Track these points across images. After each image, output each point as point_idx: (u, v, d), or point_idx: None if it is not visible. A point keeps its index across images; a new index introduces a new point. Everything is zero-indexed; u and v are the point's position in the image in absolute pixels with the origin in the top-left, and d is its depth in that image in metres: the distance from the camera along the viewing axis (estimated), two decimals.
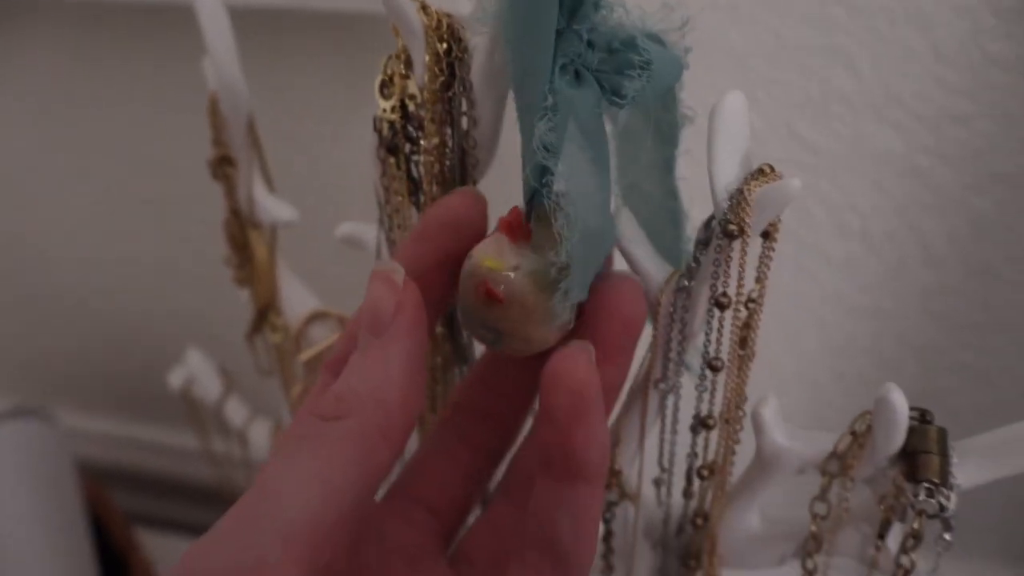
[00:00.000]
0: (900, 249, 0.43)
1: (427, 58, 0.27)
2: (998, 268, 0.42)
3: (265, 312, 0.36)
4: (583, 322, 0.22)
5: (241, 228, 0.35)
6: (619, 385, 0.23)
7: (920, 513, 0.23)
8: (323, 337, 0.35)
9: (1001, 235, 0.41)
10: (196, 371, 0.42)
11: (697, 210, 0.28)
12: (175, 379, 0.43)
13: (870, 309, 0.45)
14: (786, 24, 0.39)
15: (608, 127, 0.23)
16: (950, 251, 0.42)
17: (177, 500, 0.61)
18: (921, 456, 0.22)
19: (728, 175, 0.22)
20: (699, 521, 0.28)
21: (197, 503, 0.60)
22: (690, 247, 0.25)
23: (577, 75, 0.23)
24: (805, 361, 0.47)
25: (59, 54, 0.49)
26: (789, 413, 0.28)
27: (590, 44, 0.22)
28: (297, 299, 0.36)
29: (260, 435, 0.42)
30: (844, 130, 0.41)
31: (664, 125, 0.26)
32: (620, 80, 0.22)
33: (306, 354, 0.35)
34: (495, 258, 0.20)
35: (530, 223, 0.21)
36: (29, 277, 0.60)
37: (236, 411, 0.42)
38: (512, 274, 0.20)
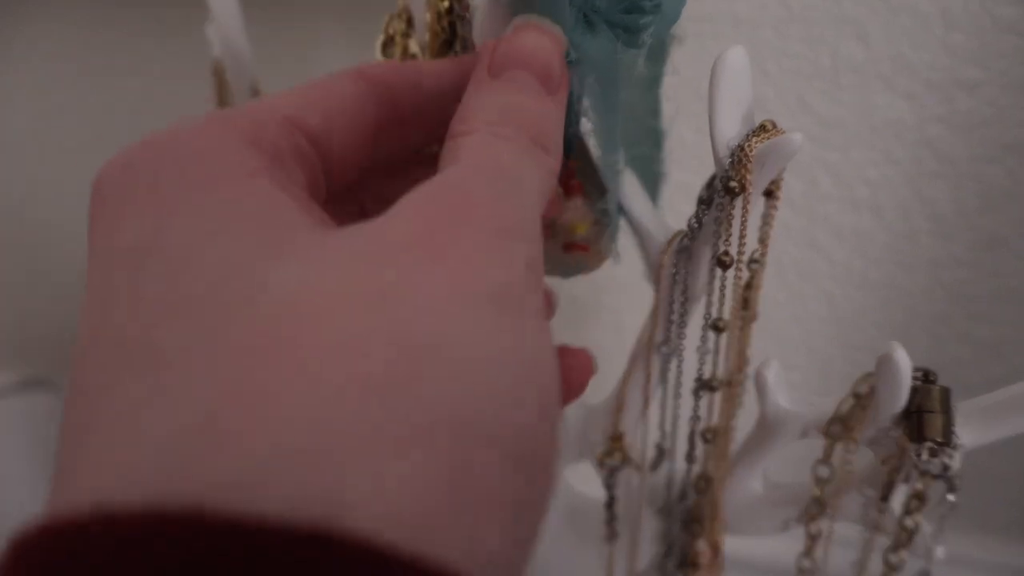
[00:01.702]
0: (910, 221, 0.43)
1: (428, 17, 0.26)
2: (1008, 239, 0.41)
3: None
4: None
5: None
6: None
7: (924, 474, 0.22)
8: None
9: (1011, 205, 0.40)
10: None
11: (697, 175, 0.28)
12: None
13: (880, 281, 0.44)
14: None
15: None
16: (960, 222, 0.42)
17: None
18: (924, 416, 0.22)
19: (729, 131, 0.22)
20: (702, 486, 0.27)
21: None
22: (667, 169, 0.26)
23: (588, 22, 0.22)
24: (814, 333, 0.47)
25: (65, 28, 0.49)
26: (796, 384, 0.28)
27: None
28: None
29: None
30: (854, 100, 0.41)
31: (655, 44, 0.26)
32: (634, 22, 0.22)
33: None
34: (579, 222, 0.24)
35: (579, 179, 0.24)
36: (35, 251, 0.61)
37: None
38: (589, 228, 0.24)
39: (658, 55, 0.26)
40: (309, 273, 0.13)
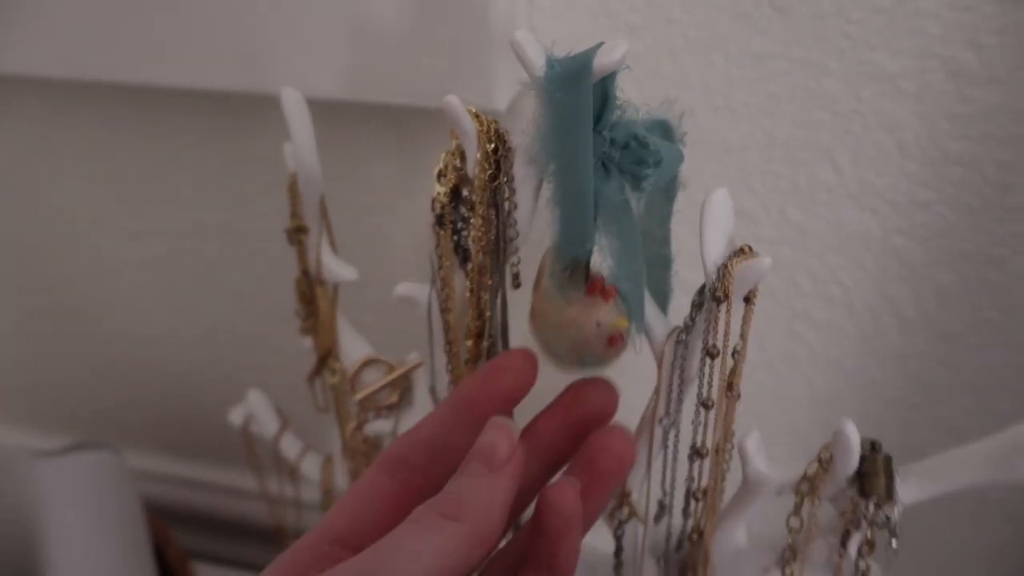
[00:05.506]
0: (878, 317, 0.49)
1: (478, 155, 0.33)
2: (962, 334, 0.48)
3: (325, 358, 0.42)
4: (581, 458, 0.27)
5: (309, 285, 0.42)
6: (600, 510, 0.29)
7: (871, 524, 0.28)
8: (374, 380, 0.41)
9: (963, 305, 0.47)
10: (255, 409, 0.48)
11: (691, 274, 0.34)
12: (236, 416, 0.49)
13: (854, 370, 0.51)
14: (777, 125, 0.46)
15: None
16: (921, 319, 0.48)
17: (231, 537, 0.66)
18: (871, 477, 0.28)
19: (716, 253, 0.29)
20: (695, 537, 0.33)
21: (249, 540, 0.65)
22: (673, 287, 0.32)
23: (605, 169, 0.29)
24: (795, 416, 0.52)
25: (138, 130, 0.57)
26: (778, 459, 0.33)
27: (612, 142, 0.29)
28: (353, 347, 0.42)
29: (311, 467, 0.47)
30: (828, 214, 0.47)
31: (667, 189, 0.33)
32: (639, 171, 0.29)
33: (359, 395, 0.41)
34: (618, 319, 0.30)
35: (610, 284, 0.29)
36: (97, 325, 0.67)
37: (290, 445, 0.48)
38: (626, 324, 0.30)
39: (669, 197, 0.33)
40: None
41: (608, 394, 0.28)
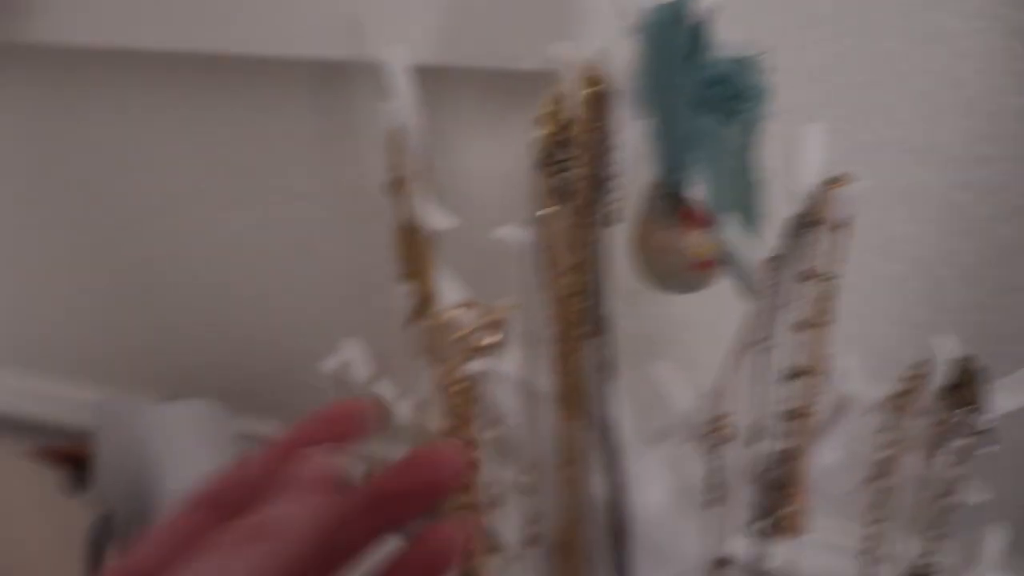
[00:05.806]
0: (939, 270, 0.51)
1: (581, 99, 0.36)
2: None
3: (424, 303, 0.45)
4: (407, 554, 0.26)
5: (409, 232, 0.44)
6: None
7: (965, 434, 0.30)
8: (471, 323, 0.44)
9: (1022, 258, 0.49)
10: (350, 355, 0.50)
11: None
12: (330, 364, 0.51)
13: (916, 322, 0.53)
14: (842, 84, 0.48)
15: None
16: (983, 272, 0.50)
17: None
18: (965, 388, 0.30)
19: (812, 180, 0.31)
20: (790, 457, 0.35)
21: None
22: (764, 210, 0.35)
23: (699, 105, 0.32)
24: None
25: (230, 99, 0.60)
26: None
27: (704, 80, 0.32)
28: (450, 291, 0.45)
29: (405, 410, 0.50)
30: (891, 169, 0.50)
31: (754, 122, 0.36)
32: (731, 106, 0.32)
33: (456, 335, 0.44)
34: (703, 246, 0.34)
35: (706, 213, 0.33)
36: (190, 290, 0.70)
37: (385, 390, 0.50)
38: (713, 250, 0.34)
39: (757, 127, 0.35)
40: None
41: (449, 463, 0.26)
